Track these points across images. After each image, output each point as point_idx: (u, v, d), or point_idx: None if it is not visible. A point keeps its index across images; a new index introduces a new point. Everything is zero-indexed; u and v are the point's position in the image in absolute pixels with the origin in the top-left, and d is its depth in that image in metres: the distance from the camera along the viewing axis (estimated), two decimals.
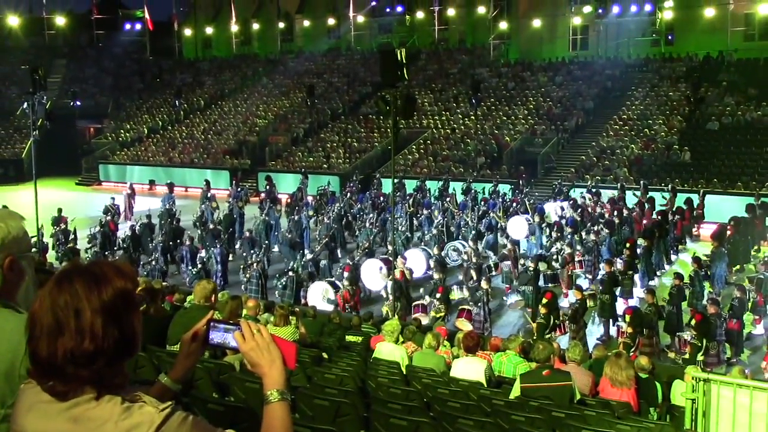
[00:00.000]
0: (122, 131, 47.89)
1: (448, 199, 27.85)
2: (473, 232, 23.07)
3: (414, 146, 37.00)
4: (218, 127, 45.40)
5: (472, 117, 38.19)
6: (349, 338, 11.74)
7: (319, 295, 18.41)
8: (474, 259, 19.52)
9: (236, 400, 5.79)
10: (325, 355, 9.15)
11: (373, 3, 52.15)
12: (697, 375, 6.55)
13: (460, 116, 39.04)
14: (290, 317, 10.29)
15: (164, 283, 16.69)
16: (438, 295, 17.35)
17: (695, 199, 25.52)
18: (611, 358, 8.45)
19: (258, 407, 2.12)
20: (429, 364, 8.86)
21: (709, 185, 27.53)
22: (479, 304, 16.72)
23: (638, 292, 18.56)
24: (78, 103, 49.21)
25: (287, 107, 46.02)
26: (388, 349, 9.38)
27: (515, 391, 7.39)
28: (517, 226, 23.92)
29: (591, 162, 31.85)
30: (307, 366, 7.86)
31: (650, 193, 26.32)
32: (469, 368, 8.42)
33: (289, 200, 30.07)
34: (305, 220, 25.74)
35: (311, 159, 38.49)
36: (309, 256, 20.68)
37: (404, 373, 8.44)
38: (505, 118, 37.83)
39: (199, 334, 2.21)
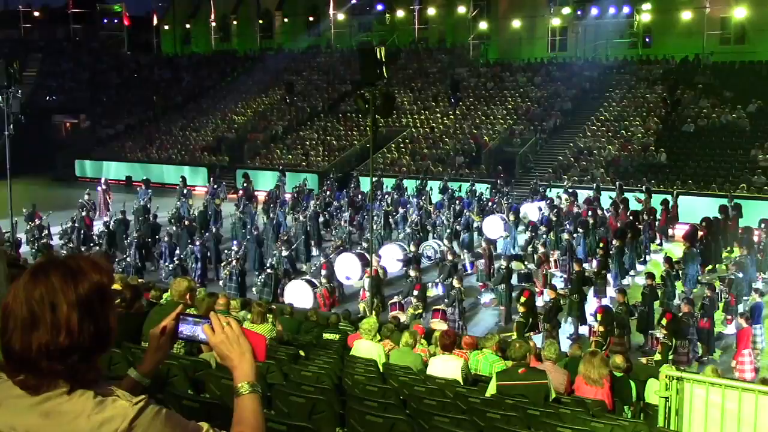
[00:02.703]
0: (99, 127, 47.42)
1: (423, 197, 27.95)
2: (448, 230, 23.18)
3: (393, 145, 37.02)
4: (196, 123, 45.13)
5: (451, 116, 38.31)
6: (327, 336, 11.72)
7: (300, 294, 18.33)
8: (450, 258, 19.60)
9: (211, 396, 5.77)
10: (301, 353, 9.13)
11: (354, 1, 52.08)
12: (671, 374, 6.62)
13: (439, 115, 39.12)
14: (267, 315, 10.26)
15: (140, 280, 16.59)
16: (415, 293, 17.42)
17: (670, 200, 25.78)
18: (586, 356, 8.52)
19: (233, 404, 2.11)
20: (406, 362, 8.89)
21: (685, 186, 27.83)
22: (453, 303, 16.83)
23: (611, 291, 18.76)
24: (54, 97, 48.72)
25: (266, 104, 45.85)
26: (365, 347, 9.39)
27: (491, 389, 7.43)
28: (493, 226, 24.09)
29: (569, 162, 32.07)
30: (284, 363, 7.84)
31: (625, 194, 26.56)
32: (446, 366, 8.45)
33: (266, 198, 30.00)
34: (282, 217, 25.70)
35: (290, 157, 38.37)
36: (285, 253, 20.69)
37: (381, 370, 8.44)
38: (483, 117, 37.96)
39: (168, 328, 2.20)
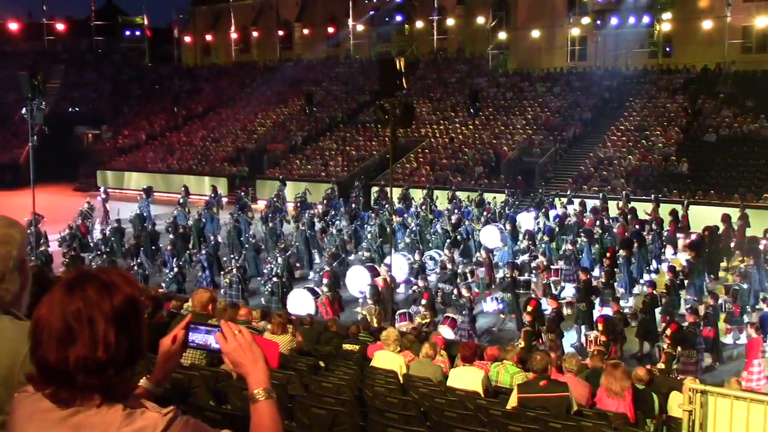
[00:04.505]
0: (120, 137, 47.89)
1: (423, 206, 28.13)
2: (448, 240, 23.27)
3: (412, 155, 37.04)
4: (216, 134, 45.42)
5: (470, 126, 38.27)
6: (346, 347, 11.71)
7: (301, 303, 18.41)
8: (449, 266, 19.72)
9: (233, 407, 5.78)
10: (322, 364, 9.13)
11: (372, 12, 52.27)
12: (695, 387, 6.55)
13: (458, 125, 39.11)
14: (288, 325, 10.28)
15: (160, 290, 16.74)
16: (423, 302, 17.48)
17: (679, 209, 25.55)
18: (608, 368, 8.44)
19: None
20: (426, 373, 8.86)
21: (706, 197, 27.60)
22: (463, 312, 16.94)
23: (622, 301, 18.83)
24: (76, 108, 49.27)
25: (285, 115, 46.07)
26: (385, 358, 9.37)
27: (512, 401, 7.39)
28: (490, 235, 24.32)
29: (588, 173, 31.90)
30: (304, 374, 7.85)
31: (631, 203, 26.56)
32: (466, 378, 8.42)
33: (265, 207, 30.35)
34: (279, 225, 26.02)
35: (309, 167, 38.49)
36: (280, 260, 20.96)
37: (401, 382, 8.42)
38: (503, 127, 37.90)
39: (179, 337, 2.21)
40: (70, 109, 49.79)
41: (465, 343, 9.27)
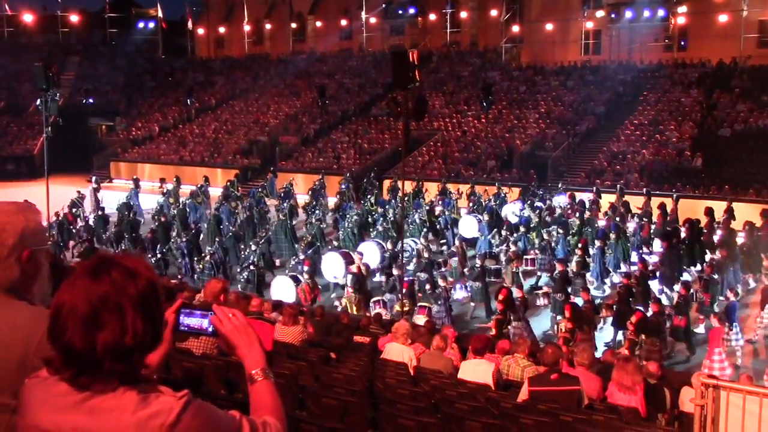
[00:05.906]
0: (134, 129, 48.07)
1: (405, 197, 28.35)
2: (425, 229, 23.68)
3: (424, 148, 36.98)
4: (229, 126, 45.50)
5: (483, 120, 38.15)
6: (357, 338, 11.75)
7: (283, 289, 18.55)
8: (426, 255, 19.94)
9: (244, 396, 5.81)
10: (333, 355, 9.16)
11: (385, 5, 52.15)
12: (707, 381, 6.52)
13: (470, 119, 39.00)
14: (299, 317, 10.32)
15: (173, 281, 16.86)
16: (403, 290, 17.58)
17: (668, 203, 25.46)
18: (619, 362, 8.43)
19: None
20: (436, 365, 8.88)
21: (720, 192, 27.41)
22: (439, 301, 17.16)
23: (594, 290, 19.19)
24: (90, 100, 49.50)
25: (298, 107, 46.07)
26: (396, 350, 9.39)
27: (523, 394, 7.39)
28: (468, 225, 24.61)
29: (602, 167, 31.75)
30: (315, 365, 7.87)
31: (625, 197, 26.64)
32: (477, 370, 8.43)
33: (248, 197, 30.80)
34: (257, 215, 26.61)
35: (321, 159, 38.50)
36: (254, 248, 21.37)
37: (412, 374, 8.44)
38: (516, 121, 37.76)
39: (171, 321, 2.21)
40: (83, 101, 49.96)
41: (476, 335, 9.29)
